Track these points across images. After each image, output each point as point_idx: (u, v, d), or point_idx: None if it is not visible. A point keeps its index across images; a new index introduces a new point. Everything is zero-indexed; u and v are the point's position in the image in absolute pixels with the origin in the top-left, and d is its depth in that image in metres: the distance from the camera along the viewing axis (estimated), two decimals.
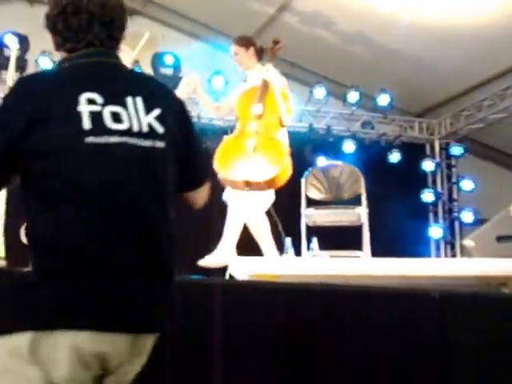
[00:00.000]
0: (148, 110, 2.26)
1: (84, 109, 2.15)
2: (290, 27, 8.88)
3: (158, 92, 2.41)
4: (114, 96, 2.23)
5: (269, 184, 5.25)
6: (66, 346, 2.00)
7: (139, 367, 2.20)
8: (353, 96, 9.39)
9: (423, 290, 3.96)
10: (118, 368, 2.13)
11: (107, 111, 2.18)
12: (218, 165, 5.26)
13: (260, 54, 5.95)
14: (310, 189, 6.78)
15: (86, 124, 2.14)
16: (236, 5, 8.87)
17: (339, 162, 7.43)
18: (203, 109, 8.39)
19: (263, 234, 5.64)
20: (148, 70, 8.50)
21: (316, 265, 4.75)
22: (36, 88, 2.21)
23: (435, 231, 10.10)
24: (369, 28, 8.65)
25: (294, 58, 9.39)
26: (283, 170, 5.24)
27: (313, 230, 6.21)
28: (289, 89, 5.90)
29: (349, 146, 9.68)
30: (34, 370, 1.99)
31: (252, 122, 5.51)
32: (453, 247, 10.21)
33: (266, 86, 5.59)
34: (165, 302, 2.21)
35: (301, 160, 8.58)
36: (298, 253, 5.92)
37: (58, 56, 2.41)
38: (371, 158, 9.32)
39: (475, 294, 4.02)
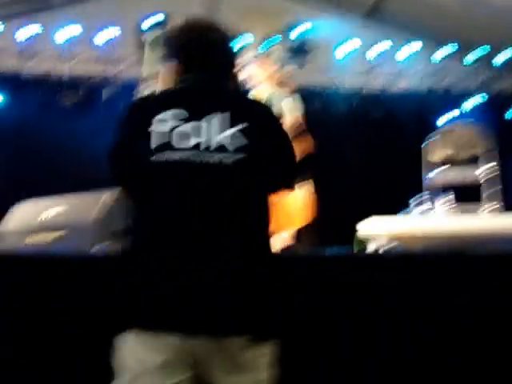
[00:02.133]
0: (233, 124, 2.32)
1: (156, 128, 2.31)
2: None
3: (245, 106, 2.51)
4: (199, 112, 2.34)
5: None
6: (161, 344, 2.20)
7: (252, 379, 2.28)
8: (471, 56, 9.69)
9: None
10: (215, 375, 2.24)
11: (185, 127, 2.30)
12: None
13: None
14: (432, 151, 6.87)
15: (154, 142, 2.30)
16: None
17: (459, 122, 7.70)
18: None
19: None
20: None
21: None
22: (130, 112, 2.45)
23: None
24: None
25: (420, 17, 9.56)
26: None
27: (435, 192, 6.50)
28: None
29: (468, 105, 9.99)
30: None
31: None
32: None
33: None
34: (249, 304, 2.25)
35: (421, 121, 9.17)
36: None
37: None
38: (492, 115, 9.59)
39: None
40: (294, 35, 9.20)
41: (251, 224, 2.31)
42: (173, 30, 2.60)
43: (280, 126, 2.52)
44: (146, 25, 8.77)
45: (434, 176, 6.63)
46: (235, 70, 2.59)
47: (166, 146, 2.28)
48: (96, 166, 8.16)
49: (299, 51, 9.17)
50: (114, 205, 4.15)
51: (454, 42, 9.67)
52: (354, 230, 4.88)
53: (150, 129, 2.29)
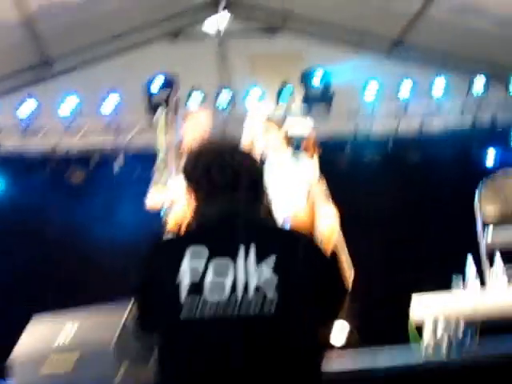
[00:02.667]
0: (260, 259, 2.21)
1: (184, 279, 2.21)
2: (439, 20, 8.48)
3: (275, 236, 2.39)
4: (222, 246, 2.25)
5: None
6: None
7: None
8: None
9: None
10: None
11: (213, 271, 2.20)
12: None
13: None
14: (485, 203, 6.25)
15: (183, 297, 2.19)
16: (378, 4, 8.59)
17: None
18: None
19: None
20: (297, 89, 8.39)
21: None
22: (152, 258, 2.37)
23: None
24: None
25: (447, 48, 8.99)
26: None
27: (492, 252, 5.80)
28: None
29: None
30: None
31: None
32: None
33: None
34: None
35: (466, 163, 8.28)
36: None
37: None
38: None
39: None
40: (314, 81, 8.53)
41: (300, 375, 2.18)
42: (193, 152, 2.50)
43: (322, 254, 2.40)
44: (153, 87, 8.43)
45: (487, 236, 5.93)
46: (264, 195, 2.48)
47: (195, 298, 2.18)
48: (112, 258, 7.65)
49: (322, 98, 8.44)
50: (130, 326, 4.17)
51: (486, 71, 8.93)
52: (404, 313, 4.79)
53: (176, 280, 2.20)
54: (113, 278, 7.26)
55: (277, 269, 2.19)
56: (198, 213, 2.39)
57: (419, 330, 4.92)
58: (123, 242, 7.23)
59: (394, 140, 8.74)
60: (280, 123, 5.60)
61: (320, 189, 5.39)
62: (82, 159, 8.47)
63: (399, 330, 5.05)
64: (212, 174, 2.35)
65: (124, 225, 7.38)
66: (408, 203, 8.37)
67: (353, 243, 5.35)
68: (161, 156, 5.58)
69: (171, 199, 5.24)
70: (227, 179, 2.35)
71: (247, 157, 2.47)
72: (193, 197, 2.40)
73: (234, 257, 2.20)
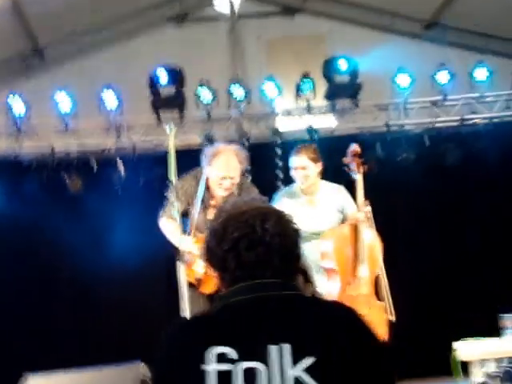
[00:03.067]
0: (296, 361, 1.98)
1: (211, 369, 1.99)
2: None
3: (314, 325, 2.07)
4: (253, 348, 2.01)
5: None
6: None
7: None
8: None
9: None
10: None
11: (240, 372, 1.98)
12: None
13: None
14: None
15: None
16: None
17: None
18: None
19: None
20: (320, 82, 7.47)
21: None
22: (169, 343, 2.11)
23: None
24: None
25: (488, 30, 8.12)
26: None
27: None
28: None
29: None
30: None
31: (353, 281, 5.18)
32: None
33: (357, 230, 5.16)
34: None
35: None
36: None
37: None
38: None
39: None
40: (341, 68, 7.56)
41: None
42: (215, 219, 2.24)
43: (371, 337, 2.09)
44: (158, 80, 7.57)
45: None
46: (299, 263, 2.23)
47: None
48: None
49: (348, 89, 7.56)
50: None
51: None
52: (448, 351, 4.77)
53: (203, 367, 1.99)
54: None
55: (315, 372, 1.97)
56: (224, 295, 2.18)
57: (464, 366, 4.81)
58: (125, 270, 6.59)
59: (431, 135, 7.72)
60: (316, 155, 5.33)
61: (363, 214, 5.14)
62: (79, 163, 7.61)
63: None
64: (240, 250, 2.13)
65: (126, 246, 6.62)
66: (449, 210, 7.45)
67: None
68: (172, 186, 4.80)
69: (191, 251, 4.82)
70: (258, 256, 2.13)
71: (280, 223, 2.18)
72: (217, 275, 2.21)
73: (265, 360, 1.99)
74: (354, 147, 5.24)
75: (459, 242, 7.34)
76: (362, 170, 5.13)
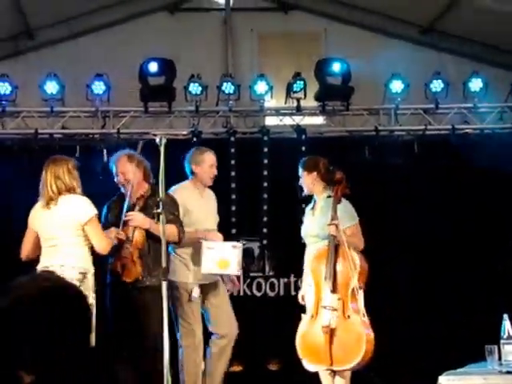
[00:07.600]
0: None
1: None
2: (479, 7, 7.35)
3: None
4: None
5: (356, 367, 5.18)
6: None
7: None
8: None
9: None
10: None
11: None
12: (300, 352, 5.25)
13: (327, 179, 5.54)
14: None
15: None
16: None
17: None
18: None
19: None
20: (312, 81, 7.37)
21: None
22: None
23: None
24: None
25: (487, 40, 7.99)
26: (365, 352, 5.05)
27: None
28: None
29: None
30: None
31: (325, 296, 5.21)
32: None
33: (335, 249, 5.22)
34: None
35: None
36: None
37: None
38: None
39: None
40: (333, 69, 7.44)
41: None
42: None
43: None
44: (148, 70, 7.43)
45: None
46: None
47: None
48: None
49: (339, 92, 7.48)
50: None
51: None
52: None
53: None
54: None
55: None
56: None
57: None
58: None
59: (423, 140, 7.65)
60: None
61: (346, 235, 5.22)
62: (62, 147, 7.31)
63: None
64: None
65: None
66: (440, 216, 7.35)
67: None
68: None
69: None
70: None
71: None
72: None
73: None
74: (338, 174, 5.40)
75: (447, 247, 7.29)
76: (339, 195, 5.25)
